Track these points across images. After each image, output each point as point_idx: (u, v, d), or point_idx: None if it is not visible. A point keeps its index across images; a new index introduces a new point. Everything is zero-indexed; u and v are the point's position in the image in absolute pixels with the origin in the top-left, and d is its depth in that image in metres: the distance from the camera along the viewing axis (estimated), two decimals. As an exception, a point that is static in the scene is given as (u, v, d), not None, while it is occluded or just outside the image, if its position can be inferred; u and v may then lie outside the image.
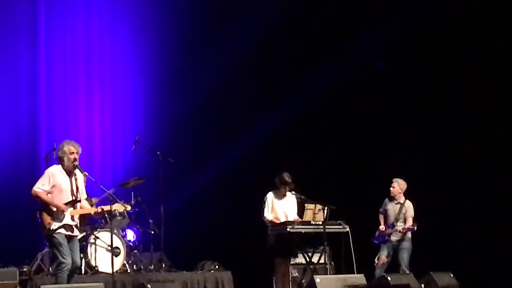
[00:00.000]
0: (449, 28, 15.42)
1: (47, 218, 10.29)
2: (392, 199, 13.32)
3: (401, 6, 15.39)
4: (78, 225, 10.61)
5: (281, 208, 12.52)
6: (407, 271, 12.86)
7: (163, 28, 16.32)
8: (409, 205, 13.26)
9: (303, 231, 12.13)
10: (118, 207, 10.98)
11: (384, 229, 13.22)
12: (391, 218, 13.26)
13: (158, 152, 14.09)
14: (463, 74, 15.22)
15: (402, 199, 13.27)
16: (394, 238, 13.18)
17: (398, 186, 13.25)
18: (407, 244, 13.12)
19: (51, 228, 10.24)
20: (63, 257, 10.24)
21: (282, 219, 12.45)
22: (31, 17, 15.90)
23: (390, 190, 13.27)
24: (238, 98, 16.40)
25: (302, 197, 12.53)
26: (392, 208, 13.30)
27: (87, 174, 10.84)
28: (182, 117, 16.20)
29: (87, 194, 13.05)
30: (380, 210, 13.42)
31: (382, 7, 15.69)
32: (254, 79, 16.50)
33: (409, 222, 13.11)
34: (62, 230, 10.30)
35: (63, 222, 10.32)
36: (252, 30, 16.11)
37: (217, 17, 16.46)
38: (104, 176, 15.41)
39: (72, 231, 10.45)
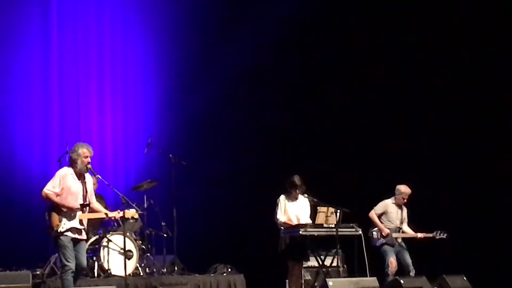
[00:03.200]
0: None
1: (55, 220, 10.29)
2: (398, 202, 13.38)
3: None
4: (86, 228, 10.62)
5: (293, 211, 12.48)
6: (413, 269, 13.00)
7: (175, 30, 16.34)
8: (405, 208, 13.49)
9: (315, 234, 12.10)
10: (129, 214, 10.94)
11: (389, 233, 13.22)
12: (396, 222, 13.33)
13: (171, 155, 14.10)
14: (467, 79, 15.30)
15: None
16: (400, 240, 13.31)
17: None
18: (405, 244, 13.32)
19: (59, 230, 10.26)
20: (67, 260, 10.26)
21: (295, 222, 12.42)
22: (43, 20, 15.94)
23: (402, 199, 13.30)
24: (250, 100, 16.39)
25: (315, 199, 12.49)
26: (395, 211, 13.37)
27: (99, 176, 10.86)
28: (194, 120, 16.21)
29: (100, 194, 13.13)
30: (378, 212, 13.36)
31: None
32: (266, 81, 16.49)
33: (406, 223, 13.38)
34: (69, 233, 10.32)
35: (71, 225, 10.33)
36: (266, 33, 16.11)
37: (231, 19, 16.45)
38: (117, 179, 15.45)
39: (80, 234, 10.46)
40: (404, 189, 13.34)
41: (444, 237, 13.21)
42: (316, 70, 16.27)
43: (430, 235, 13.27)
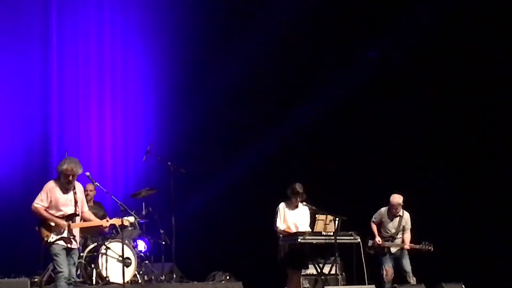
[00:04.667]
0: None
1: (45, 231, 10.34)
2: (391, 212, 13.28)
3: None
4: (77, 237, 10.62)
5: (292, 219, 12.47)
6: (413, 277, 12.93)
7: (175, 38, 16.35)
8: (407, 216, 13.34)
9: (314, 242, 12.09)
10: (118, 221, 10.92)
11: (380, 242, 13.18)
12: (391, 231, 13.26)
13: (169, 163, 14.10)
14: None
15: (401, 211, 13.27)
16: (394, 249, 13.23)
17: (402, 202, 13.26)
18: (406, 251, 13.21)
19: (48, 241, 10.31)
20: (59, 267, 10.31)
21: (293, 231, 12.41)
22: (43, 27, 15.97)
23: (393, 208, 13.20)
24: (249, 108, 16.41)
25: (314, 207, 12.49)
26: (390, 221, 13.29)
27: (98, 184, 10.87)
28: (193, 128, 16.22)
29: (99, 202, 13.11)
30: (374, 220, 13.36)
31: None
32: (265, 89, 16.51)
33: (408, 234, 13.24)
34: (60, 242, 10.35)
35: (61, 235, 10.35)
36: (265, 42, 16.13)
37: (230, 28, 16.47)
38: (116, 186, 15.44)
39: (71, 243, 10.46)
40: (392, 199, 13.20)
41: (430, 248, 13.12)
42: (312, 76, 16.30)
43: (417, 246, 13.20)
